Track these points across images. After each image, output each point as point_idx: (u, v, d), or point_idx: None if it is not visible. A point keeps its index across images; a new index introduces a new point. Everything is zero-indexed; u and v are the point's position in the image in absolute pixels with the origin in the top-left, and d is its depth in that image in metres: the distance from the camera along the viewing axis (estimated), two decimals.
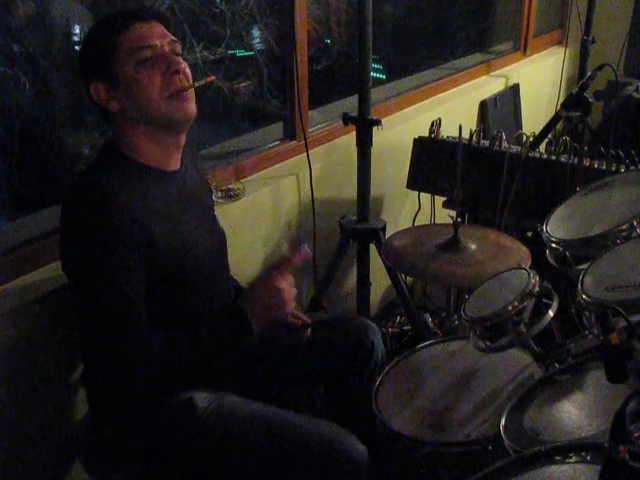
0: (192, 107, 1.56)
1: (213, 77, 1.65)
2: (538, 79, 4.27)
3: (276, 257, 2.51)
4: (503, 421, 1.31)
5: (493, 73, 4.00)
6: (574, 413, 1.27)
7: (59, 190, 2.28)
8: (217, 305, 1.70)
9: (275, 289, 1.53)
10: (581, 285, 1.38)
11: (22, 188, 2.41)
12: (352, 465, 1.51)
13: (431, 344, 1.82)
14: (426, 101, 3.50)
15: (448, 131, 2.80)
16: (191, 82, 1.56)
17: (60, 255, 1.54)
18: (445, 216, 2.64)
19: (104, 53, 1.51)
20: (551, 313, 1.51)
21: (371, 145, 2.34)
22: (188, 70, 1.57)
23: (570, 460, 1.05)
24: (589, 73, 1.94)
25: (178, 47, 1.57)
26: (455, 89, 3.71)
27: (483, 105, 3.71)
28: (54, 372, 1.82)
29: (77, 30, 3.28)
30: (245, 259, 2.35)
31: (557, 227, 1.67)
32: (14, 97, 2.49)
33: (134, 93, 1.51)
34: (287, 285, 1.55)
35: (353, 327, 1.94)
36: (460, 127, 2.06)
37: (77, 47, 3.22)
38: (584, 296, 1.34)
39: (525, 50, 4.34)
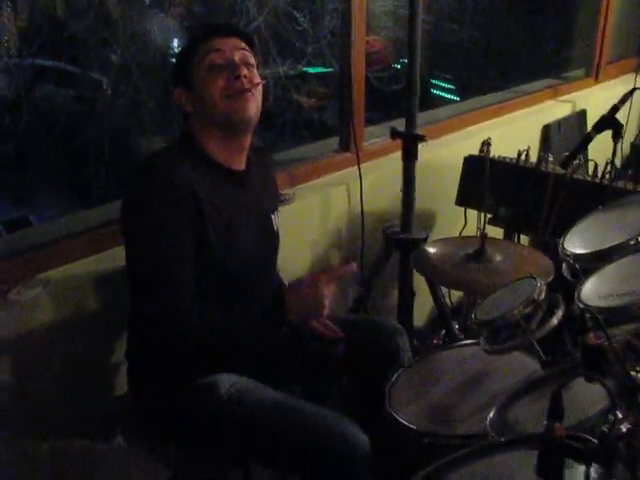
0: (249, 108, 1.74)
1: (263, 81, 1.82)
2: (608, 106, 4.26)
3: (322, 262, 2.67)
4: (491, 415, 1.40)
5: (560, 98, 4.04)
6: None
7: None
8: (258, 290, 1.88)
9: (318, 292, 1.72)
10: (578, 293, 1.46)
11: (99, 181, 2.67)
12: (353, 451, 1.62)
13: (448, 348, 1.91)
14: (489, 122, 3.58)
15: (507, 152, 2.87)
16: (252, 87, 1.73)
17: (121, 219, 1.73)
18: (492, 233, 2.72)
19: (185, 61, 1.75)
20: (555, 320, 1.58)
21: (416, 159, 2.45)
22: (256, 80, 1.75)
23: (520, 449, 1.14)
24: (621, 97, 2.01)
25: (250, 58, 1.77)
26: (519, 112, 3.77)
27: (546, 129, 3.75)
28: (104, 347, 2.02)
29: (175, 43, 3.56)
30: (291, 261, 2.50)
31: (573, 242, 1.75)
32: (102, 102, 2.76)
33: (201, 93, 1.73)
34: (328, 292, 1.73)
35: (381, 329, 2.06)
36: (484, 143, 2.15)
37: (172, 59, 3.48)
38: (578, 303, 1.42)
39: (597, 77, 4.35)
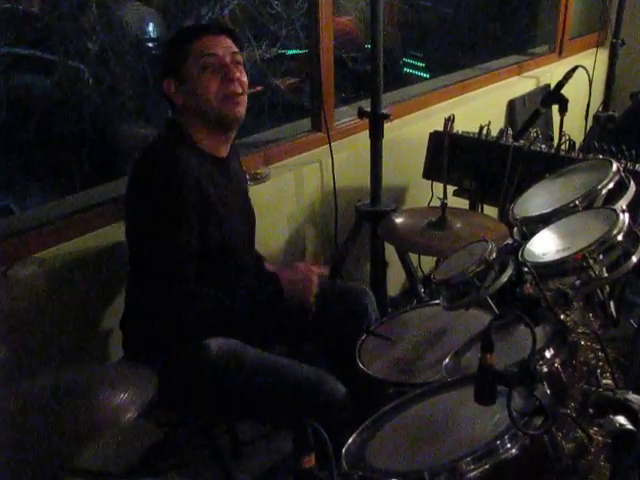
0: (241, 110, 1.92)
1: (260, 88, 2.00)
2: (571, 80, 4.42)
3: (298, 236, 2.84)
4: (446, 361, 1.57)
5: (525, 74, 4.20)
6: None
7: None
8: (245, 266, 2.08)
9: (310, 279, 1.96)
10: (522, 252, 1.63)
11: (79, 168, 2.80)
12: (334, 401, 1.84)
13: (414, 308, 2.09)
14: (456, 98, 3.74)
15: (475, 127, 3.03)
16: (245, 89, 1.92)
17: (126, 208, 1.91)
18: (455, 204, 2.89)
19: (178, 56, 1.90)
20: (505, 278, 1.75)
21: (382, 136, 2.61)
22: (244, 79, 1.93)
23: (466, 386, 1.32)
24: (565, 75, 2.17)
25: (239, 57, 1.94)
26: (485, 88, 3.93)
27: (511, 104, 3.92)
28: (99, 317, 2.19)
29: (150, 28, 3.67)
30: (270, 235, 2.67)
31: (522, 207, 1.92)
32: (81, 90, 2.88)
33: (195, 91, 1.89)
34: (316, 280, 1.97)
35: (351, 294, 2.25)
36: (447, 119, 2.31)
37: (149, 44, 3.60)
38: (520, 259, 1.59)
39: (561, 52, 4.51)
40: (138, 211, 1.87)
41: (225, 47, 1.90)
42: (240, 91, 1.90)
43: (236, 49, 1.93)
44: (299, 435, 0.90)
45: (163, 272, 1.82)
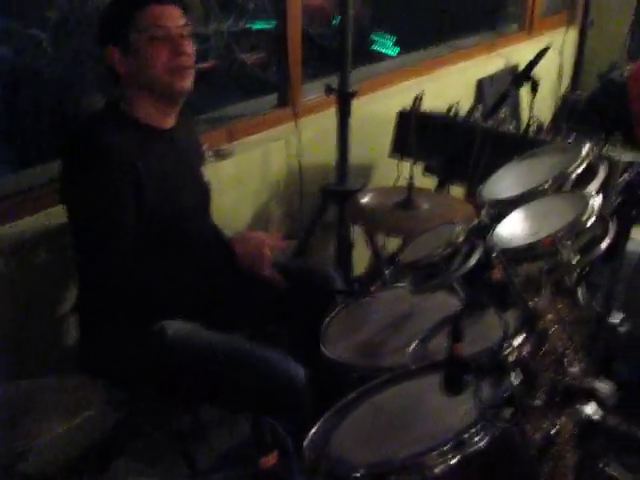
0: (188, 83, 1.87)
1: (211, 64, 1.94)
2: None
3: (263, 215, 2.78)
4: (412, 346, 1.54)
5: (494, 53, 4.16)
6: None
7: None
8: (199, 243, 2.00)
9: (262, 253, 1.88)
10: (490, 236, 1.60)
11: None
12: (292, 383, 1.80)
13: (378, 291, 2.05)
14: (425, 76, 3.69)
15: (444, 106, 2.98)
16: (192, 62, 1.86)
17: (60, 188, 1.86)
18: (423, 182, 2.84)
19: (122, 24, 1.81)
20: (473, 261, 1.73)
21: (349, 114, 2.56)
22: (192, 52, 1.87)
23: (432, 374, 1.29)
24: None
25: (187, 30, 1.87)
26: (454, 66, 3.88)
27: (480, 83, 3.88)
28: (52, 301, 2.11)
29: None
30: (233, 212, 2.61)
31: (490, 190, 1.88)
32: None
33: (142, 62, 1.82)
34: (268, 253, 1.89)
35: (316, 275, 2.20)
36: (416, 97, 2.27)
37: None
38: (489, 245, 1.56)
39: (530, 31, 4.47)
40: (69, 189, 1.84)
41: (174, 18, 1.84)
42: (189, 64, 1.85)
43: (184, 21, 1.87)
44: (256, 435, 0.85)
45: (96, 248, 1.79)
